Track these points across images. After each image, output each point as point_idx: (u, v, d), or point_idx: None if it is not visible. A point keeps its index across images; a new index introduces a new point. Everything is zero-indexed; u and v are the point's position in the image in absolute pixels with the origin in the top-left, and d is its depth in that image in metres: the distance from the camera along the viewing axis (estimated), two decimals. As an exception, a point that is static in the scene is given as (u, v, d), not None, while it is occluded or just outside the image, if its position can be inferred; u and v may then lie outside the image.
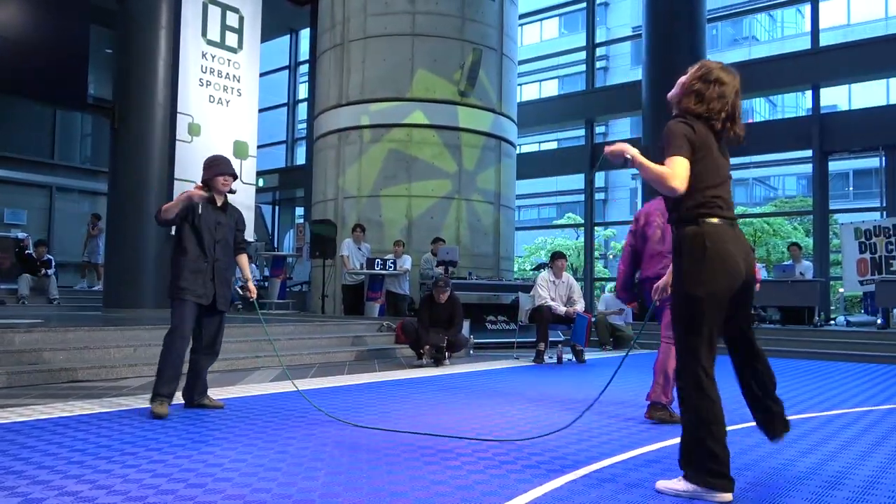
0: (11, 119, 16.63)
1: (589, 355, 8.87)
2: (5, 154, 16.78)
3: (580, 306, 8.24)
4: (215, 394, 4.84)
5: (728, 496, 2.61)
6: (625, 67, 27.83)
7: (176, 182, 11.31)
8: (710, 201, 2.69)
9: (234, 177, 4.61)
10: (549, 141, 21.48)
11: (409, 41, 12.11)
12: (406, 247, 11.32)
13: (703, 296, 2.64)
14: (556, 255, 8.36)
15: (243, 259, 4.77)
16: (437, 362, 7.38)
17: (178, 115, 11.45)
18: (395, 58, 12.10)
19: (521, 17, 16.72)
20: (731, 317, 2.76)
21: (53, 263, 12.68)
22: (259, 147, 22.99)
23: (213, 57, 11.97)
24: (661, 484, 2.76)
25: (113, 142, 11.64)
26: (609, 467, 3.18)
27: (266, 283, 13.70)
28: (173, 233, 4.64)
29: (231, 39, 12.26)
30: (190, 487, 2.67)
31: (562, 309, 8.12)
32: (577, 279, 10.44)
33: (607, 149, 2.75)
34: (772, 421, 2.84)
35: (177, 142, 11.42)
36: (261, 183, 19.78)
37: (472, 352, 9.23)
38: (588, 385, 6.46)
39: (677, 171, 2.60)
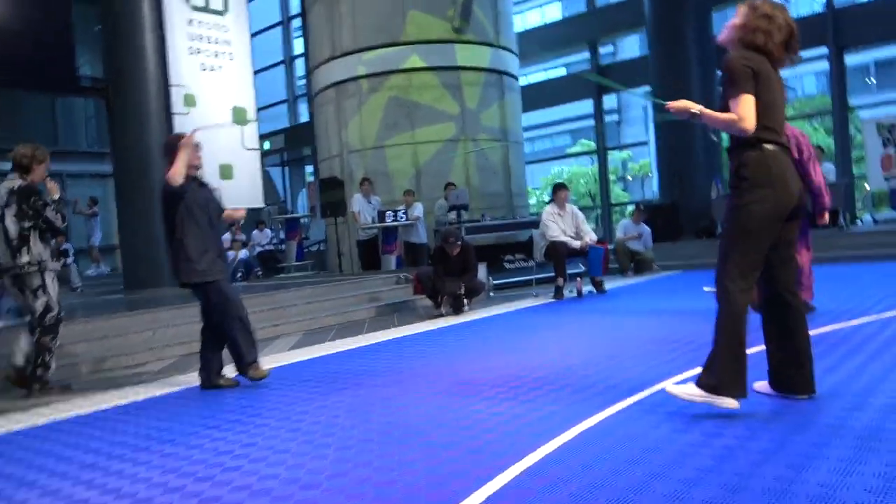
0: (11, 110, 16.53)
1: (610, 283, 8.75)
2: (11, 147, 16.75)
3: (591, 237, 8.09)
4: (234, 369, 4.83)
5: (734, 403, 2.75)
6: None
7: (179, 156, 11.18)
8: (771, 128, 2.83)
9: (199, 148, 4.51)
10: (556, 68, 20.87)
11: (398, -19, 11.66)
12: (417, 195, 11.17)
13: (763, 215, 2.78)
14: (558, 187, 8.19)
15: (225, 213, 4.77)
16: (456, 310, 7.31)
17: (171, 87, 11.24)
18: (385, 2, 11.69)
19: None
20: (777, 238, 2.89)
21: (71, 251, 12.76)
22: (260, 109, 22.71)
23: (201, 23, 11.66)
24: (673, 388, 2.91)
25: (110, 122, 11.50)
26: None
27: (283, 247, 13.69)
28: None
29: (216, 2, 11.89)
30: (197, 482, 2.64)
31: (575, 243, 7.97)
32: (594, 205, 10.25)
33: (670, 105, 2.96)
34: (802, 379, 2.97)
35: (174, 115, 11.24)
36: (266, 146, 19.61)
37: (491, 294, 9.17)
38: (611, 313, 6.37)
39: (746, 112, 2.75)
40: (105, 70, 11.58)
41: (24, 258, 4.58)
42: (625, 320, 5.98)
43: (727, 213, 2.91)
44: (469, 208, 10.53)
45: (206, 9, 11.71)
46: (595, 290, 8.27)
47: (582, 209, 8.98)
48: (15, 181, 4.66)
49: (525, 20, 22.40)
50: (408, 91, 11.70)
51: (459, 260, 7.47)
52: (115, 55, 11.29)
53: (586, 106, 19.06)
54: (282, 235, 14.56)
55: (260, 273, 13.45)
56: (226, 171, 11.76)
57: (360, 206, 10.95)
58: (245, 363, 4.35)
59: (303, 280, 10.73)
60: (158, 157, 11.07)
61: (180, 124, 11.21)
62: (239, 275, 13.08)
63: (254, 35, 22.52)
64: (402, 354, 5.20)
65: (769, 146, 2.84)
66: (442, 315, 7.31)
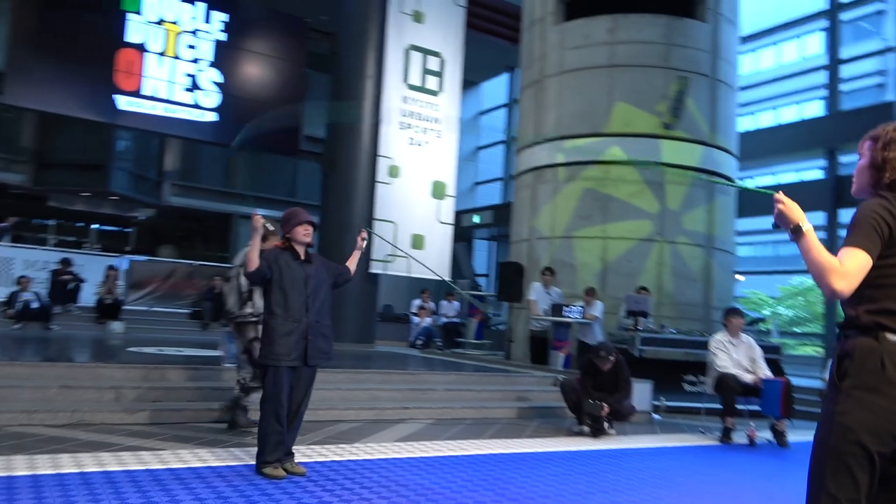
0: (256, 163, 18.74)
1: (801, 433, 7.34)
2: (261, 194, 18.96)
3: (765, 372, 6.89)
4: (334, 447, 4.69)
5: None
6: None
7: (375, 222, 11.76)
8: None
9: (313, 225, 4.48)
10: (786, 172, 19.01)
11: (608, 73, 11.39)
12: (602, 293, 10.54)
13: (863, 428, 1.98)
14: (731, 312, 7.12)
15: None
16: (595, 433, 6.57)
17: (378, 157, 11.93)
18: (592, 92, 11.45)
19: (749, 38, 15.04)
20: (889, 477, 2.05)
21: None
22: (478, 183, 23.56)
23: (414, 100, 12.32)
24: None
25: (323, 185, 12.44)
26: None
27: (463, 322, 13.69)
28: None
29: (432, 83, 12.53)
30: None
31: (748, 377, 6.84)
32: (819, 328, 8.79)
33: (779, 200, 2.16)
34: None
35: (377, 183, 11.87)
36: (476, 219, 20.12)
37: (657, 416, 8.21)
38: (782, 477, 5.27)
39: (847, 268, 1.98)
40: (326, 138, 12.62)
41: (248, 310, 5.33)
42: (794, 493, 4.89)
43: (819, 425, 2.12)
44: (648, 316, 9.67)
45: (421, 88, 12.36)
46: (775, 441, 6.98)
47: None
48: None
49: (757, 121, 20.81)
50: (604, 184, 11.22)
51: (611, 376, 6.75)
52: (336, 125, 12.28)
53: (816, 218, 16.96)
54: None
55: (440, 344, 13.54)
56: (417, 241, 12.11)
57: (538, 296, 10.56)
58: (261, 460, 4.18)
59: (463, 361, 10.54)
60: (358, 222, 11.80)
61: (382, 193, 11.84)
62: (419, 342, 13.29)
63: (482, 113, 23.61)
64: (498, 476, 4.68)
65: (892, 336, 2.02)
66: (581, 433, 6.62)
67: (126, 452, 4.51)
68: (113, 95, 10.17)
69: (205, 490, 3.80)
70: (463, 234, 19.97)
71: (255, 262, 4.23)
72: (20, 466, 3.99)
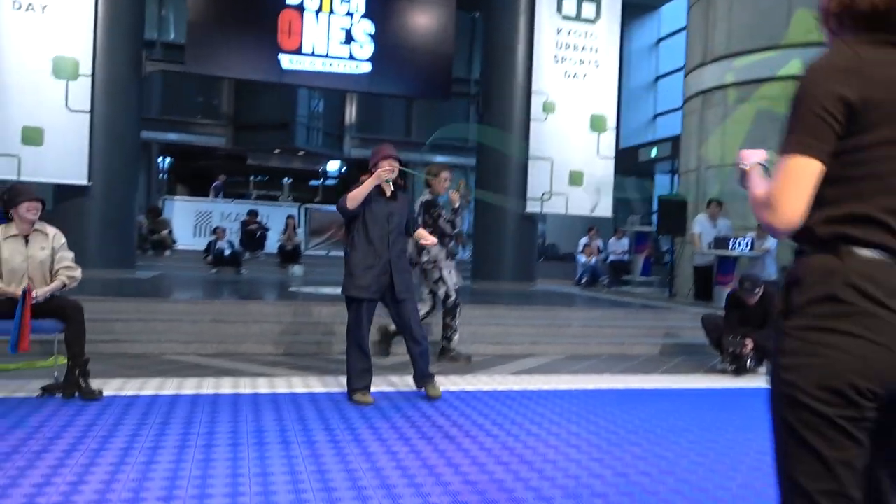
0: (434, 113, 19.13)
1: None
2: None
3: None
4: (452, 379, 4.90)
5: None
6: None
7: (531, 161, 11.59)
8: (869, 216, 1.42)
9: (399, 161, 4.50)
10: None
11: (786, -24, 10.06)
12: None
13: (819, 390, 1.38)
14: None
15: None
16: (738, 371, 6.08)
17: (532, 94, 11.67)
18: (768, 0, 10.21)
19: None
20: (884, 438, 1.45)
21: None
22: (658, 115, 22.15)
23: (569, 31, 11.81)
24: None
25: (479, 124, 12.44)
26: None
27: (631, 259, 13.20)
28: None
29: (588, 10, 11.90)
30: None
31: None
32: None
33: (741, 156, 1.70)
34: None
35: (532, 121, 11.65)
36: (653, 153, 19.04)
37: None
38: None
39: (778, 195, 1.43)
40: (480, 78, 12.54)
41: (425, 258, 5.70)
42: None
43: (771, 384, 1.50)
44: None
45: (577, 18, 11.79)
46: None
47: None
48: (425, 195, 5.80)
49: None
50: (783, 103, 10.00)
51: (759, 311, 6.17)
52: (490, 64, 12.15)
53: None
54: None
55: (606, 282, 13.21)
56: (576, 178, 11.77)
57: (701, 228, 9.87)
58: (350, 388, 4.39)
59: (621, 298, 10.17)
60: (514, 161, 11.71)
61: (536, 130, 11.61)
62: (584, 280, 13.07)
63: (662, 40, 22.00)
64: (592, 409, 4.52)
65: (863, 251, 1.41)
66: (723, 371, 6.17)
67: (256, 378, 5.01)
68: (277, 55, 10.93)
69: (312, 412, 4.12)
70: (642, 169, 19.03)
71: (358, 201, 4.35)
72: (169, 387, 4.59)
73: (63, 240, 4.39)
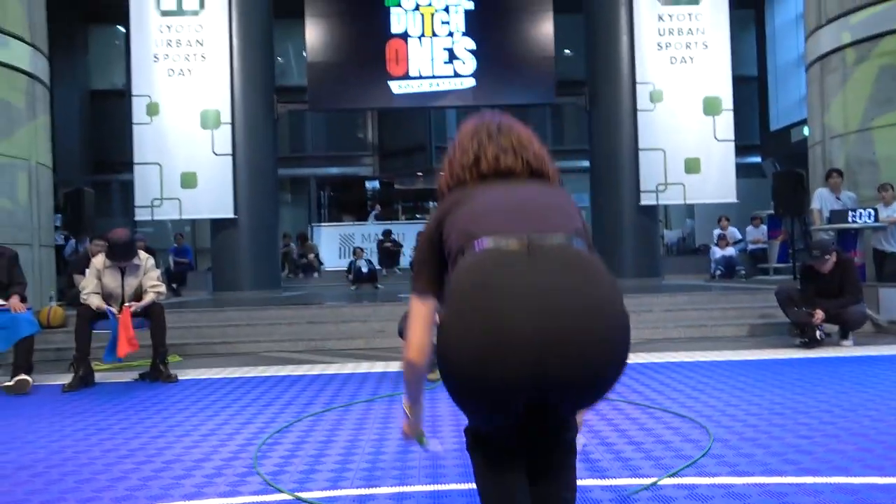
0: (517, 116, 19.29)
1: None
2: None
3: None
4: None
5: None
6: None
7: (641, 152, 11.55)
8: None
9: None
10: None
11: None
12: (913, 188, 8.81)
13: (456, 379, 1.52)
14: None
15: None
16: (809, 343, 5.82)
17: (638, 84, 11.64)
18: (881, -55, 9.45)
19: None
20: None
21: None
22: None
23: (672, 16, 11.66)
24: None
25: (589, 122, 12.58)
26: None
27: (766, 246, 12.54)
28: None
29: (693, -8, 11.67)
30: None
31: None
32: None
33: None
34: None
35: (639, 112, 11.61)
36: (805, 132, 17.70)
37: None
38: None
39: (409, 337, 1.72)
40: (585, 73, 12.66)
41: None
42: None
43: None
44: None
45: (678, 1, 11.61)
46: None
47: None
48: None
49: None
50: (907, 56, 9.23)
51: (834, 279, 5.90)
52: (594, 59, 12.27)
53: None
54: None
55: (743, 273, 12.66)
56: (692, 165, 11.52)
57: (821, 203, 9.27)
58: None
59: (751, 286, 9.80)
60: (625, 153, 11.71)
61: (645, 121, 11.55)
62: (718, 273, 12.64)
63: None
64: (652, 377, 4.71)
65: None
66: (802, 345, 5.94)
67: (323, 365, 5.77)
68: (387, 82, 11.91)
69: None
70: (794, 150, 17.80)
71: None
72: (258, 374, 5.49)
73: (152, 261, 5.46)
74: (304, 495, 2.60)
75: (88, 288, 5.23)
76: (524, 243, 1.51)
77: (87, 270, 5.41)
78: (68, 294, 8.52)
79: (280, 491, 2.66)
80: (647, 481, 2.62)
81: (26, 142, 8.76)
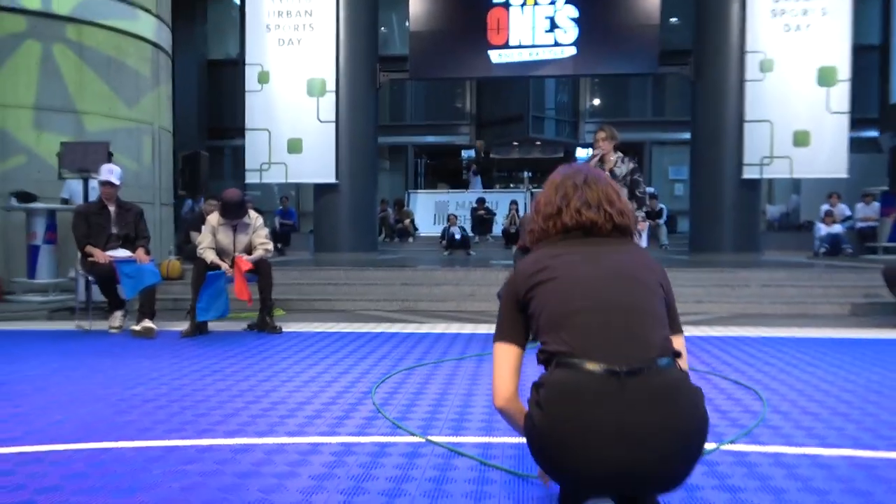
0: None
1: None
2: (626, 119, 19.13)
3: None
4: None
5: None
6: None
7: (746, 124, 11.07)
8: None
9: None
10: None
11: None
12: None
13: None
14: None
15: None
16: (918, 323, 5.51)
17: (747, 54, 11.11)
18: None
19: None
20: None
21: (665, 212, 14.04)
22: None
23: (789, -19, 11.00)
24: None
25: (693, 93, 12.12)
26: None
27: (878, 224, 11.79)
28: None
29: (814, -47, 10.95)
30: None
31: None
32: None
33: None
34: None
35: (746, 83, 11.10)
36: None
37: None
38: None
39: (496, 385, 1.89)
40: (692, 42, 12.16)
41: None
42: None
43: None
44: None
45: (797, -37, 10.93)
46: None
47: None
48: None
49: None
50: None
51: (951, 259, 5.53)
52: (703, 29, 11.76)
53: None
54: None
55: (850, 251, 11.98)
56: (801, 138, 10.99)
57: (944, 180, 8.66)
58: None
59: (859, 265, 9.27)
60: (731, 125, 11.25)
61: (753, 91, 11.03)
62: (822, 250, 12.04)
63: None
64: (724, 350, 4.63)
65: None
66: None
67: (416, 325, 5.96)
68: (487, 52, 11.85)
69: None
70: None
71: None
72: (354, 330, 5.76)
73: (261, 220, 5.79)
74: (433, 439, 2.75)
75: (204, 243, 5.60)
76: (617, 376, 1.61)
77: (203, 227, 5.78)
78: (185, 249, 9.12)
79: (412, 434, 2.81)
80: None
81: (151, 108, 9.35)
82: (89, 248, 5.62)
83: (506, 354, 1.84)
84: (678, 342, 1.83)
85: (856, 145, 13.80)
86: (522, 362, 1.88)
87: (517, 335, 1.85)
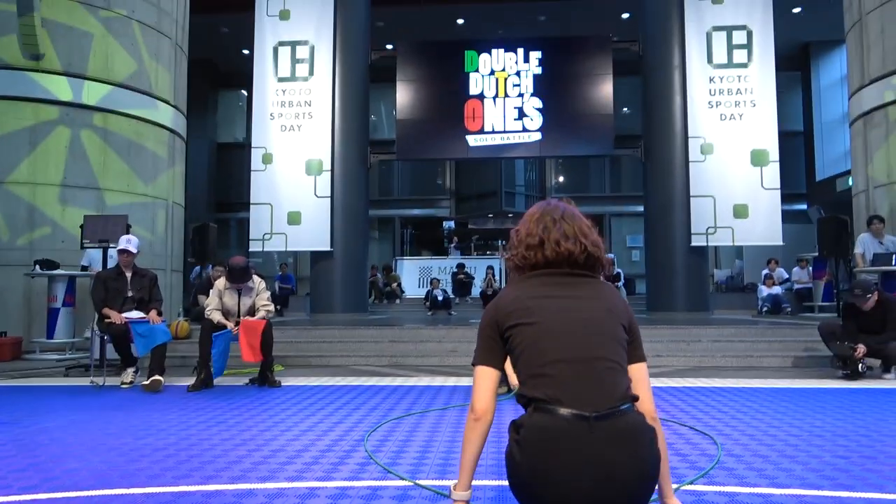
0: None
1: None
2: (587, 194, 19.57)
3: None
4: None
5: None
6: None
7: (692, 198, 11.35)
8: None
9: None
10: None
11: (938, -14, 8.96)
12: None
13: None
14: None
15: None
16: (851, 376, 5.54)
17: (690, 138, 11.48)
18: (920, 13, 9.13)
19: None
20: None
21: (622, 275, 14.17)
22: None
23: (722, 78, 11.52)
24: None
25: (644, 171, 12.44)
26: None
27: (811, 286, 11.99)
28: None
29: (739, 56, 11.52)
30: (294, 431, 3.60)
31: None
32: None
33: None
34: None
35: (691, 163, 11.44)
36: (850, 182, 16.94)
37: None
38: None
39: (473, 403, 1.93)
40: (642, 128, 12.57)
41: None
42: None
43: None
44: None
45: (728, 65, 11.49)
46: None
47: None
48: None
49: None
50: (947, 112, 8.81)
51: (876, 316, 5.63)
52: (650, 116, 12.18)
53: None
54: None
55: (790, 310, 12.14)
56: (740, 211, 11.24)
57: (863, 248, 8.87)
58: None
59: (796, 322, 9.39)
60: (677, 201, 11.52)
61: (696, 171, 11.36)
62: (765, 309, 12.19)
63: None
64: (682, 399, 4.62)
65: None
66: (845, 377, 5.66)
67: (403, 378, 5.89)
68: (465, 136, 12.15)
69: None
70: (838, 198, 17.05)
71: None
72: (347, 383, 5.67)
73: (264, 284, 5.76)
74: (421, 482, 2.69)
75: (211, 305, 5.56)
76: (586, 420, 1.68)
77: (211, 291, 5.75)
78: (193, 311, 9.01)
79: (401, 478, 2.76)
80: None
81: (166, 185, 9.41)
82: (106, 310, 5.54)
83: (485, 375, 1.90)
84: (642, 369, 1.90)
85: (789, 216, 14.20)
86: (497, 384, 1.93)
87: (495, 359, 1.91)
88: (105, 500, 2.46)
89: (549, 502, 1.67)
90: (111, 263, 6.59)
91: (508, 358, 1.91)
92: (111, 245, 6.68)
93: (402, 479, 2.75)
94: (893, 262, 8.18)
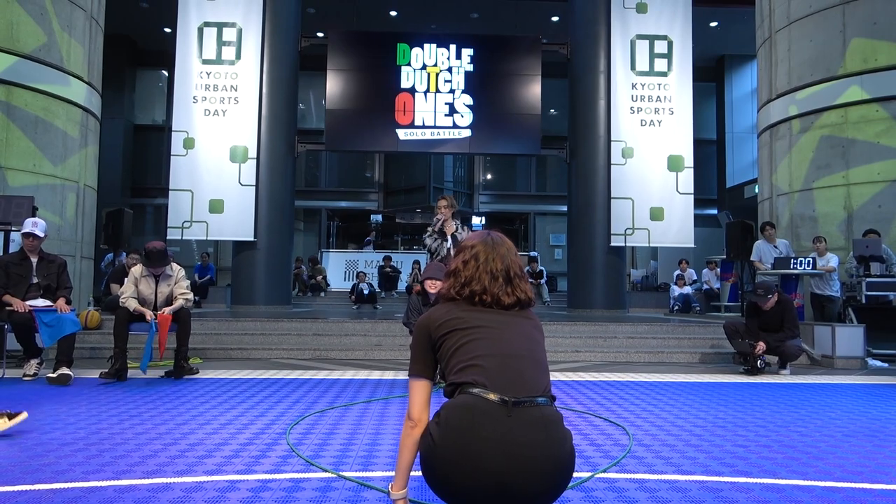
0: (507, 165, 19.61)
1: None
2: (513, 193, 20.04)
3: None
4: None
5: None
6: None
7: (612, 200, 11.77)
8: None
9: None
10: None
11: (839, 12, 9.66)
12: (848, 242, 9.04)
13: None
14: None
15: None
16: (751, 371, 5.95)
17: (612, 142, 11.91)
18: (823, 35, 9.81)
19: None
20: None
21: (545, 272, 14.54)
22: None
23: (643, 85, 11.99)
24: None
25: (568, 172, 12.80)
26: None
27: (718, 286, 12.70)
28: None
29: (660, 65, 12.04)
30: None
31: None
32: None
33: None
34: None
35: (612, 166, 11.86)
36: (756, 190, 18.04)
37: (875, 362, 6.90)
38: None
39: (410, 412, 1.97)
40: (567, 130, 12.94)
41: None
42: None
43: None
44: (887, 261, 8.01)
45: (650, 73, 11.96)
46: None
47: None
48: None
49: None
50: (843, 129, 9.53)
51: (775, 315, 6.05)
52: (574, 119, 12.55)
53: None
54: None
55: (699, 309, 12.80)
56: (656, 214, 11.75)
57: (760, 254, 9.48)
58: None
59: (703, 320, 9.92)
60: (599, 201, 11.91)
61: (617, 173, 11.79)
62: (676, 308, 12.78)
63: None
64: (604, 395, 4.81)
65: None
66: (740, 371, 6.06)
67: (327, 371, 5.83)
68: (395, 130, 12.14)
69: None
70: (746, 204, 18.13)
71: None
72: (269, 376, 5.55)
73: (182, 272, 5.56)
74: (345, 474, 2.68)
75: (127, 293, 5.32)
76: (506, 404, 1.78)
77: (126, 278, 5.50)
78: (104, 300, 8.57)
79: (324, 470, 2.74)
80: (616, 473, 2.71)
81: (77, 167, 8.89)
82: (7, 298, 5.20)
83: (419, 387, 1.98)
84: None
85: (700, 220, 14.97)
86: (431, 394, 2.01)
87: (427, 370, 1.99)
88: (6, 497, 2.33)
89: (462, 481, 1.73)
90: (14, 248, 6.18)
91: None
92: (13, 228, 6.27)
93: (325, 471, 2.75)
94: (791, 266, 8.79)
